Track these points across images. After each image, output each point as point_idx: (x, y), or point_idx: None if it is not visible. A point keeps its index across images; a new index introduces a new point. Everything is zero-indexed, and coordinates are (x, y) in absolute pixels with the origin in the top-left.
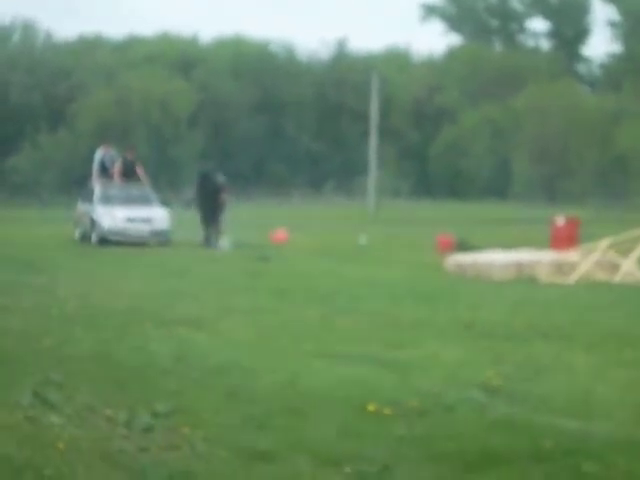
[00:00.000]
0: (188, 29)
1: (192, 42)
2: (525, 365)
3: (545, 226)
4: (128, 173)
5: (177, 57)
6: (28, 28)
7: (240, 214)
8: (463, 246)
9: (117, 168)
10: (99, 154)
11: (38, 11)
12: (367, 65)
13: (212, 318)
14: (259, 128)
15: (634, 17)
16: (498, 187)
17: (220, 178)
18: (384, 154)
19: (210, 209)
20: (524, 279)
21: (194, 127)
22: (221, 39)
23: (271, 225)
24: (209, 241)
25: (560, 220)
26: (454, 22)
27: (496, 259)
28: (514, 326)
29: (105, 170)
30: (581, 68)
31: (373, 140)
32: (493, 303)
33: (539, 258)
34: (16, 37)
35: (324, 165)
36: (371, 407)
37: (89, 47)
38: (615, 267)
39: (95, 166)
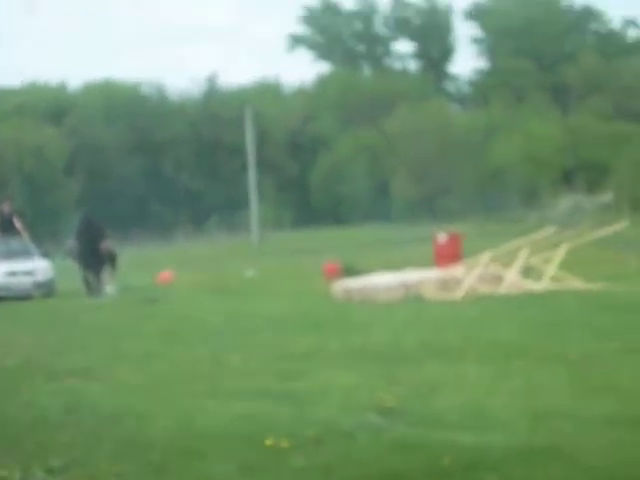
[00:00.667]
0: (57, 77)
1: (61, 89)
2: (418, 384)
3: (428, 245)
4: (6, 227)
5: (47, 105)
6: None
7: (123, 257)
8: (349, 271)
9: None
10: None
11: None
12: (239, 99)
13: (102, 366)
14: (136, 170)
15: (496, 32)
16: (379, 211)
17: (98, 223)
18: (264, 186)
19: (91, 256)
20: (411, 299)
21: (70, 174)
22: (91, 84)
23: (156, 266)
24: (92, 289)
25: (442, 237)
26: (322, 50)
27: (382, 281)
28: (405, 346)
29: None
30: (450, 86)
31: (252, 173)
32: (382, 325)
33: (424, 277)
34: None
35: (205, 202)
36: (269, 441)
37: None
38: (499, 279)
39: None
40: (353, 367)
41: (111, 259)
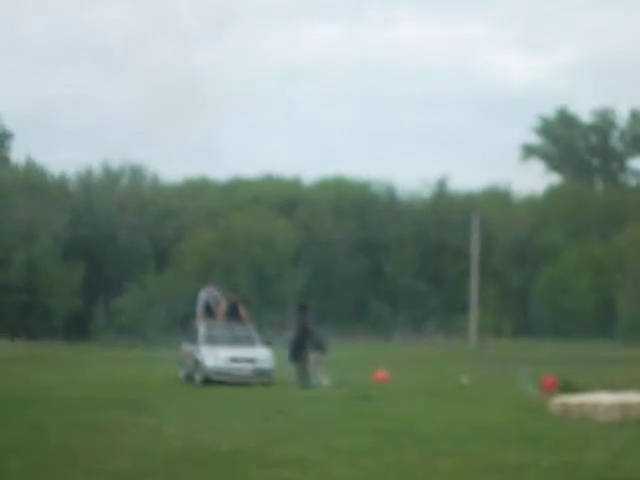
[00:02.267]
0: (290, 170)
1: (295, 183)
2: None
3: None
4: (232, 313)
5: (280, 198)
6: (136, 172)
7: (341, 353)
8: (567, 387)
9: (221, 308)
10: (203, 294)
11: (145, 155)
12: (467, 204)
13: (316, 459)
14: (360, 267)
15: None
16: (602, 326)
17: (310, 313)
18: (485, 293)
19: (297, 347)
20: (632, 421)
21: (296, 266)
22: (323, 180)
23: (372, 364)
24: (299, 380)
25: None
26: (554, 162)
27: (602, 400)
28: (622, 468)
29: (209, 310)
30: None
31: (474, 279)
32: (599, 446)
33: None
34: (124, 180)
35: (425, 304)
36: None
37: (195, 189)
38: None
39: (199, 306)
40: None
41: (320, 348)
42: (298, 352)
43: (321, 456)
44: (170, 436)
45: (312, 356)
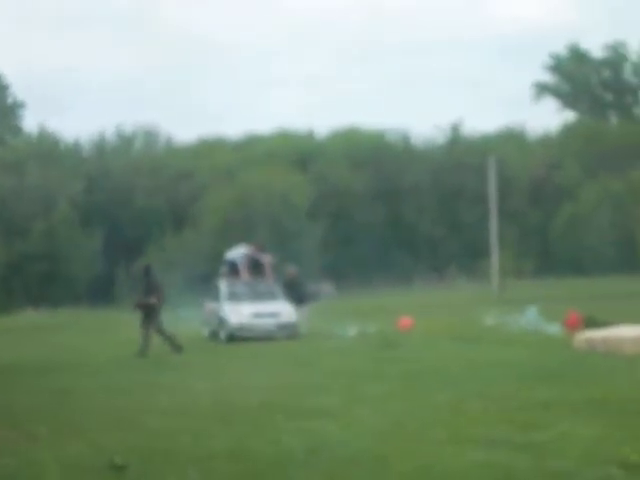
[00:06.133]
0: (304, 124)
1: (308, 136)
2: None
3: None
4: (255, 269)
5: (295, 152)
6: (149, 134)
7: (364, 303)
8: (592, 322)
9: (243, 266)
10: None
11: (158, 117)
12: (483, 147)
13: (342, 408)
14: (378, 216)
15: None
16: (623, 262)
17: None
18: (505, 235)
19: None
20: None
21: (313, 219)
22: (336, 132)
23: (396, 312)
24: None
25: None
26: (568, 99)
27: (628, 333)
28: None
29: (234, 268)
30: None
31: (493, 222)
32: (626, 378)
33: None
34: (138, 143)
35: (445, 249)
36: None
37: (209, 148)
38: None
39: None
40: (595, 419)
41: (301, 301)
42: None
43: (348, 404)
44: (198, 393)
45: (299, 310)
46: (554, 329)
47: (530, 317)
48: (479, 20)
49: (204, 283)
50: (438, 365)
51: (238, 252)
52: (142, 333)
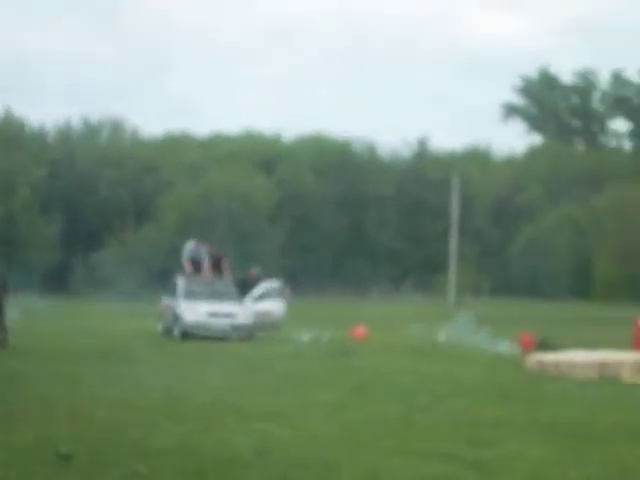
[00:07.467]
0: (271, 127)
1: (275, 140)
2: (609, 465)
3: (628, 327)
4: (215, 267)
5: (260, 154)
6: (116, 125)
7: (319, 310)
8: (544, 345)
9: (207, 264)
10: (190, 247)
11: (126, 108)
12: (448, 164)
13: (293, 412)
14: (339, 224)
15: None
16: (579, 287)
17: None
18: (464, 252)
19: None
20: (607, 379)
21: (275, 222)
22: (303, 137)
23: (350, 322)
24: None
25: None
26: (535, 122)
27: (578, 358)
28: (597, 426)
29: (196, 265)
30: None
31: (453, 238)
32: (575, 402)
33: (622, 358)
34: (104, 134)
35: (403, 262)
36: None
37: (175, 144)
38: None
39: (186, 258)
40: (543, 442)
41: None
42: None
43: (299, 409)
44: (149, 388)
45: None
46: (505, 348)
47: (461, 322)
48: (451, 37)
49: (163, 279)
50: (390, 376)
51: (190, 248)
52: None
